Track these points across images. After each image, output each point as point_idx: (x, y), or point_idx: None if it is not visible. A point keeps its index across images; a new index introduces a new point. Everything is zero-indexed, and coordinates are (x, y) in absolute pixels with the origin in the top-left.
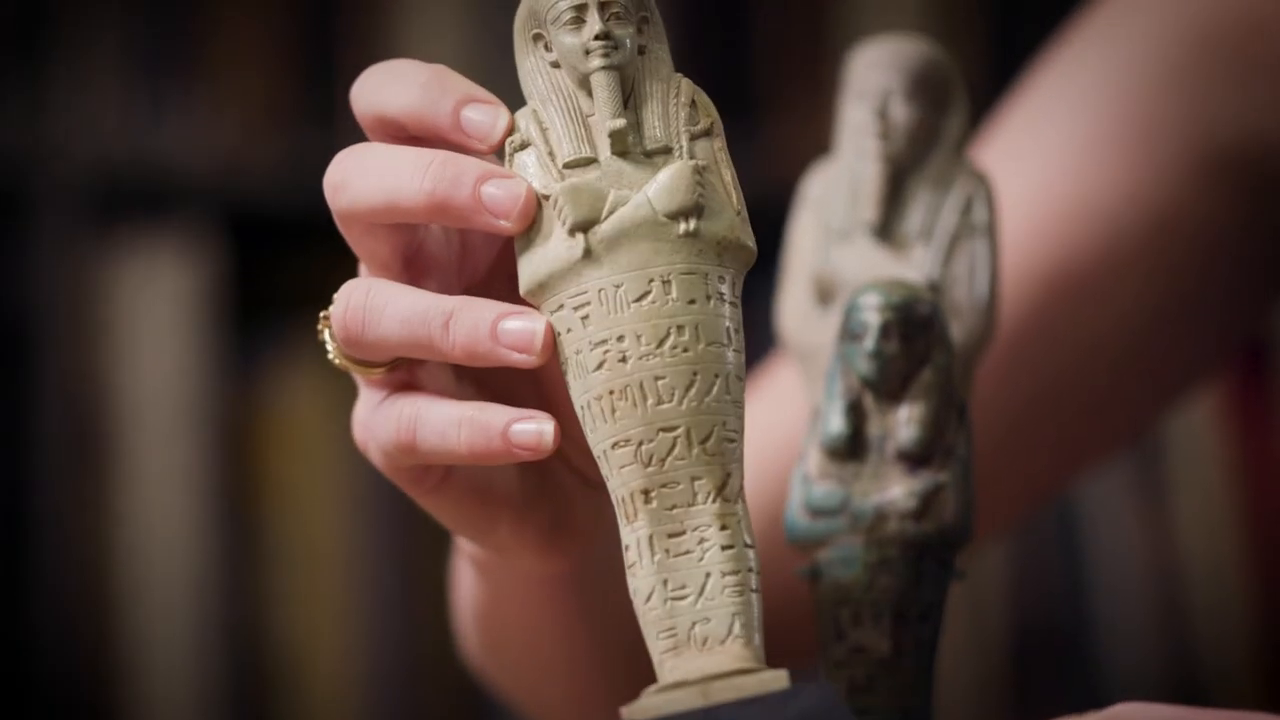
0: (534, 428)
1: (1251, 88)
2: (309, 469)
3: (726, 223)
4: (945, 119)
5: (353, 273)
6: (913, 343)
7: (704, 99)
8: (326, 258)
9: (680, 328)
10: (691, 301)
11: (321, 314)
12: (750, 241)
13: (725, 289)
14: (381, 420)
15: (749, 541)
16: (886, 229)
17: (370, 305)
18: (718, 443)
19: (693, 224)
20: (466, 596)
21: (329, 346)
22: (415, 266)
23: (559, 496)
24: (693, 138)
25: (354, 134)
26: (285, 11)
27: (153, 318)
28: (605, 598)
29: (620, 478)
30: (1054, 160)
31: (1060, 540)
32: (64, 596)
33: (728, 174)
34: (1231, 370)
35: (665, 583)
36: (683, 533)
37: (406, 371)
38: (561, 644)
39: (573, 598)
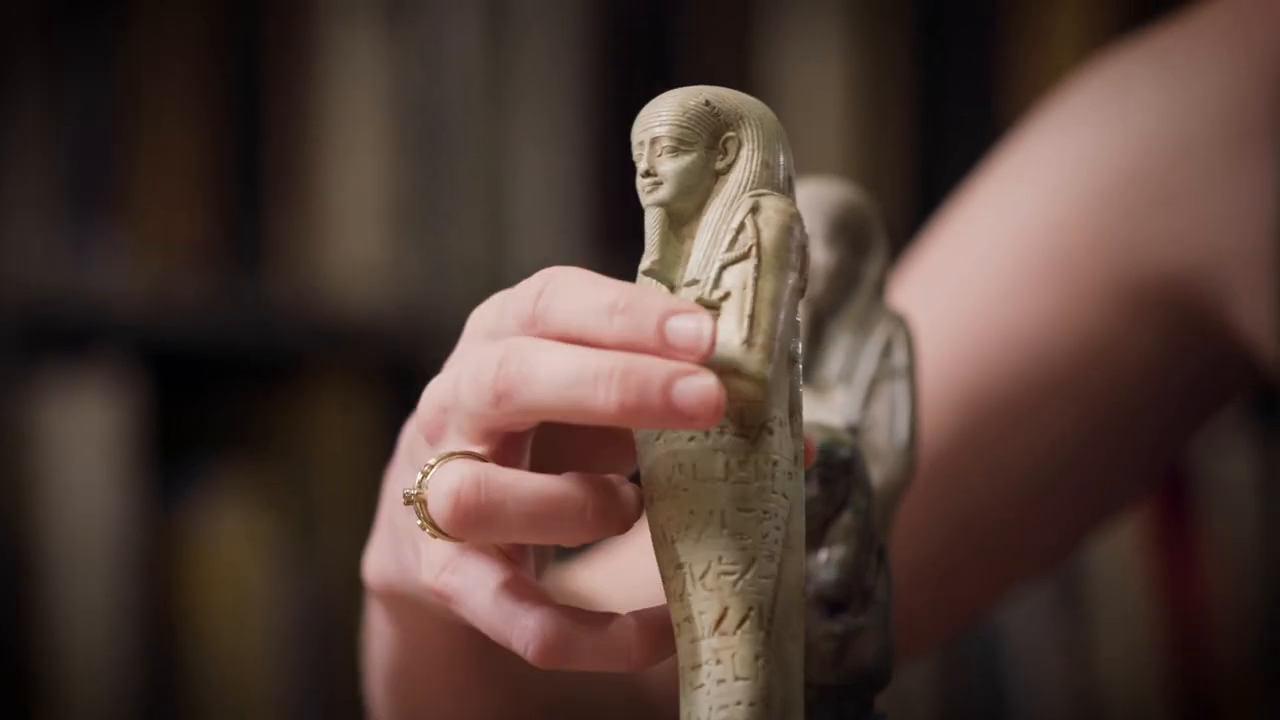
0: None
1: (1173, 216)
2: (232, 606)
3: (726, 355)
4: (865, 262)
5: (275, 413)
6: (832, 486)
7: (764, 216)
8: (249, 396)
9: (680, 466)
10: (691, 439)
11: (413, 494)
12: (753, 368)
13: (728, 420)
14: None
15: (743, 674)
16: (807, 372)
17: (492, 493)
18: (715, 577)
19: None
20: (380, 659)
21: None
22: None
23: None
24: (724, 265)
25: (278, 273)
26: (209, 150)
27: (75, 455)
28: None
29: (671, 613)
30: (976, 288)
31: (982, 667)
32: None
33: (750, 299)
34: (1154, 497)
35: (689, 715)
36: (699, 666)
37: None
38: (476, 702)
39: (489, 655)
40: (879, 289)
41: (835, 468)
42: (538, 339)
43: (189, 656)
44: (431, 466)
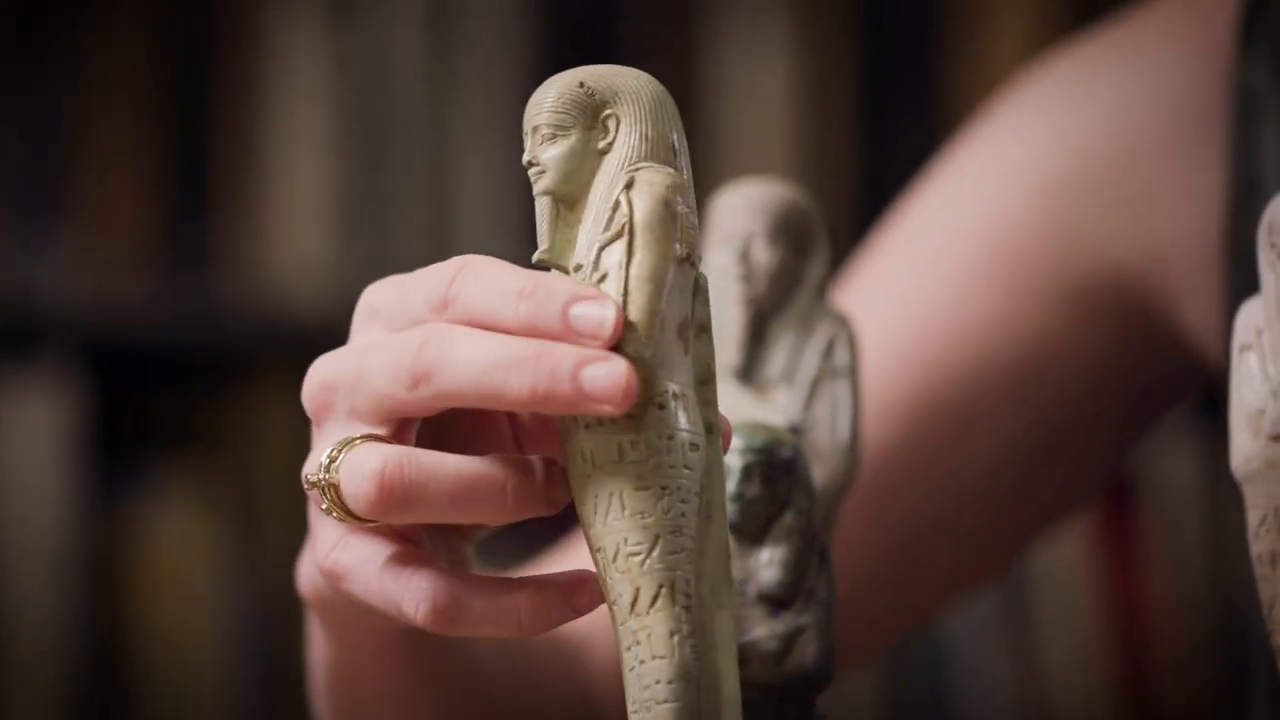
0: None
1: (1123, 217)
2: (177, 606)
3: None
4: (807, 262)
5: (220, 413)
6: (774, 486)
7: (637, 190)
8: (194, 396)
9: (582, 454)
10: (587, 426)
11: (319, 479)
12: (631, 347)
13: None
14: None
15: (660, 653)
16: (749, 372)
17: (415, 473)
18: (624, 559)
19: None
20: (317, 665)
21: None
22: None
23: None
24: (603, 247)
25: (223, 273)
26: (154, 150)
27: (20, 455)
28: (457, 653)
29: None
30: (922, 291)
31: (928, 672)
32: None
33: (624, 277)
34: (1099, 503)
35: (627, 697)
36: (628, 649)
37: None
38: (413, 705)
39: (422, 655)
40: (821, 289)
41: (777, 467)
42: (457, 325)
43: (133, 657)
44: (340, 450)
